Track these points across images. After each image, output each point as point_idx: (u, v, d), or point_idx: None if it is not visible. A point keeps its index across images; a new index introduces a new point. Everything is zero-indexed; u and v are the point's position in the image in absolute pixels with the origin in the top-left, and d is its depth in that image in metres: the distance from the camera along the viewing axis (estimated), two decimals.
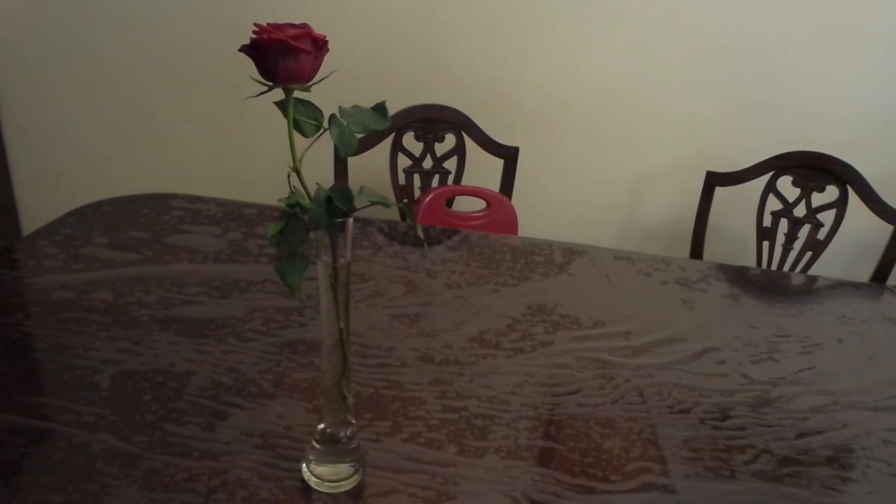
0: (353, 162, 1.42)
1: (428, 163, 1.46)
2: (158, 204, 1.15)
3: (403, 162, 1.45)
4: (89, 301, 0.87)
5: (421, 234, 0.50)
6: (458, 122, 1.43)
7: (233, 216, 1.14)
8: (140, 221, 1.09)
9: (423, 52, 1.68)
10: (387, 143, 1.42)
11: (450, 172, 1.48)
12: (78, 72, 1.79)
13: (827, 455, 0.73)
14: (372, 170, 1.51)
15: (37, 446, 0.63)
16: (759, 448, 0.73)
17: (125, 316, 0.84)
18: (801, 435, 0.76)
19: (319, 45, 0.45)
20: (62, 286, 0.89)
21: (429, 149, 1.45)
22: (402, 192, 1.47)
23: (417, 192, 1.47)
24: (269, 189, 1.73)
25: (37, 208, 1.96)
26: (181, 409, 0.69)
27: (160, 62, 1.76)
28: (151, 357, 0.77)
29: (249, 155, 1.80)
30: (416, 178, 1.47)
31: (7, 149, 1.89)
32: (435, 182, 1.48)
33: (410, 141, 1.44)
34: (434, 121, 1.43)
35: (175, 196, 1.18)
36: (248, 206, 1.18)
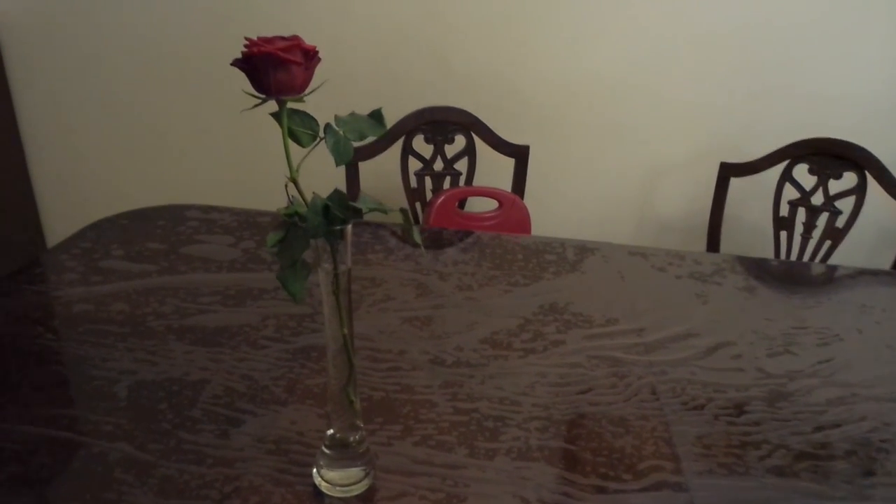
0: (364, 166, 1.43)
1: (438, 165, 1.47)
2: (174, 215, 1.17)
3: (414, 165, 1.46)
4: (107, 313, 0.88)
5: (418, 238, 0.50)
6: (467, 123, 1.44)
7: (247, 225, 1.16)
8: (156, 233, 1.11)
9: (430, 54, 1.68)
10: (397, 147, 1.43)
11: (461, 174, 1.48)
12: (93, 89, 1.83)
13: (845, 449, 0.72)
14: (383, 173, 1.52)
15: (57, 456, 0.64)
16: (774, 443, 0.72)
17: (142, 326, 0.86)
18: (819, 429, 0.75)
19: (310, 56, 0.46)
20: (81, 299, 0.92)
21: (439, 151, 1.46)
22: (414, 194, 1.48)
23: (429, 195, 1.47)
24: (283, 196, 1.75)
25: (59, 222, 2.00)
26: (196, 417, 0.70)
27: (172, 76, 1.79)
28: (167, 366, 0.78)
29: (262, 163, 1.82)
30: (428, 180, 1.48)
31: (28, 166, 1.94)
32: (446, 184, 1.48)
33: (420, 143, 1.45)
34: (443, 122, 1.43)
35: (190, 207, 1.20)
36: (261, 214, 1.20)
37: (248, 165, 1.86)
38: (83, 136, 1.90)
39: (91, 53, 1.80)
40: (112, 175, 1.94)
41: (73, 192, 1.97)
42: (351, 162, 1.40)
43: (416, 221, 1.49)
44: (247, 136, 1.81)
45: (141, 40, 1.77)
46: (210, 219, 1.17)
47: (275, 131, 0.49)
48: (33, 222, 2.00)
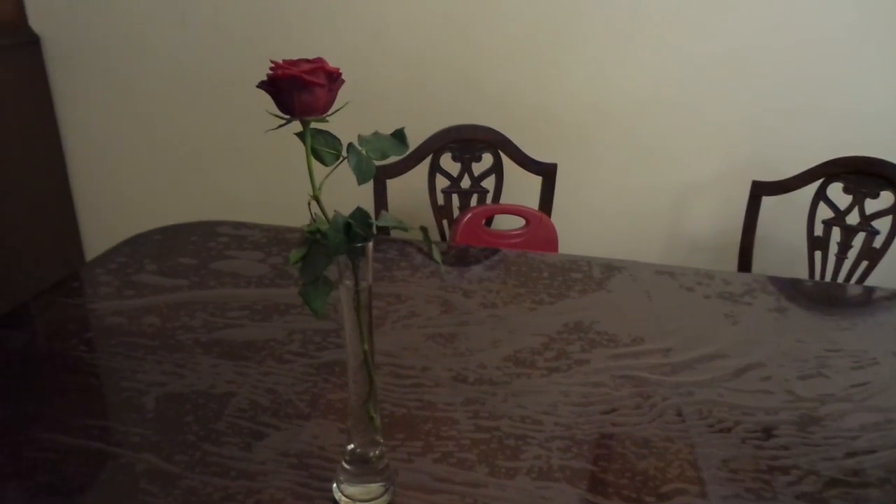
0: (392, 184, 1.44)
1: (466, 182, 1.48)
2: (205, 231, 1.20)
3: (442, 182, 1.47)
4: (139, 326, 0.91)
5: (438, 257, 0.51)
6: (495, 141, 1.44)
7: (276, 241, 1.18)
8: (188, 248, 1.14)
9: (459, 73, 1.70)
10: (425, 165, 1.45)
11: (488, 191, 1.48)
12: (132, 111, 1.90)
13: (879, 476, 0.70)
14: (411, 191, 1.54)
15: (86, 466, 0.66)
16: (804, 468, 0.70)
17: (171, 340, 0.88)
18: (851, 454, 0.73)
19: (333, 78, 0.47)
20: (115, 312, 0.94)
21: (466, 169, 1.46)
22: (441, 212, 1.48)
23: (456, 212, 1.48)
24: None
25: (98, 238, 2.07)
26: (220, 430, 0.72)
27: (208, 98, 1.84)
28: (194, 379, 0.80)
29: (294, 180, 1.85)
30: (455, 198, 1.49)
31: (71, 184, 2.01)
32: (473, 202, 1.49)
33: (448, 161, 1.46)
34: (470, 141, 1.44)
35: (221, 223, 1.23)
36: (290, 230, 1.22)
37: (279, 182, 1.89)
38: (122, 156, 1.96)
39: (130, 76, 1.86)
40: (149, 192, 1.99)
41: (112, 208, 2.03)
42: (379, 179, 1.42)
43: (444, 239, 1.50)
44: (279, 154, 1.85)
45: (179, 64, 1.82)
46: (240, 235, 1.19)
47: (304, 150, 0.50)
48: (74, 238, 2.07)
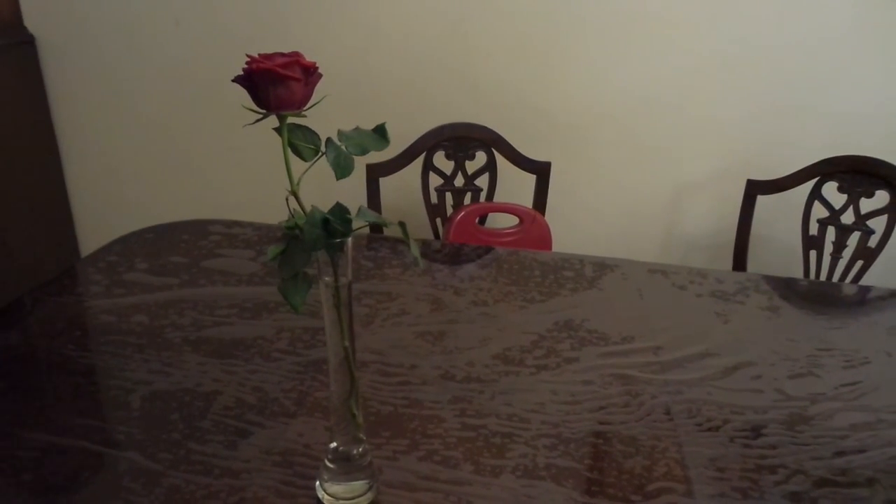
0: (385, 182, 1.44)
1: (459, 181, 1.47)
2: (197, 230, 1.20)
3: (435, 181, 1.47)
4: (128, 324, 0.90)
5: (416, 252, 0.50)
6: (488, 140, 1.44)
7: (267, 239, 1.17)
8: (179, 247, 1.13)
9: (455, 72, 1.70)
10: (419, 163, 1.44)
11: (481, 190, 1.48)
12: (129, 109, 1.89)
13: (867, 476, 0.69)
14: (404, 189, 1.53)
15: (69, 464, 0.66)
16: (792, 468, 0.70)
17: (159, 338, 0.88)
18: (839, 454, 0.72)
19: (310, 72, 0.47)
20: (104, 310, 0.94)
21: (460, 167, 1.46)
22: (435, 210, 1.48)
23: (450, 211, 1.48)
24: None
25: (93, 237, 2.07)
26: (206, 428, 0.71)
27: (201, 97, 1.84)
28: (181, 377, 0.80)
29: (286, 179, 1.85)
30: (449, 196, 1.48)
31: (66, 183, 2.01)
32: (467, 200, 1.48)
33: (441, 160, 1.45)
34: (464, 139, 1.44)
35: (213, 222, 1.23)
36: (282, 229, 1.21)
37: (274, 181, 1.89)
38: (118, 155, 1.96)
39: (125, 76, 1.86)
40: (144, 191, 1.99)
41: (108, 207, 2.03)
42: (372, 178, 1.42)
43: (437, 237, 1.50)
44: (273, 153, 1.85)
45: (173, 64, 1.82)
46: (232, 233, 1.19)
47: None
48: (69, 236, 2.07)
